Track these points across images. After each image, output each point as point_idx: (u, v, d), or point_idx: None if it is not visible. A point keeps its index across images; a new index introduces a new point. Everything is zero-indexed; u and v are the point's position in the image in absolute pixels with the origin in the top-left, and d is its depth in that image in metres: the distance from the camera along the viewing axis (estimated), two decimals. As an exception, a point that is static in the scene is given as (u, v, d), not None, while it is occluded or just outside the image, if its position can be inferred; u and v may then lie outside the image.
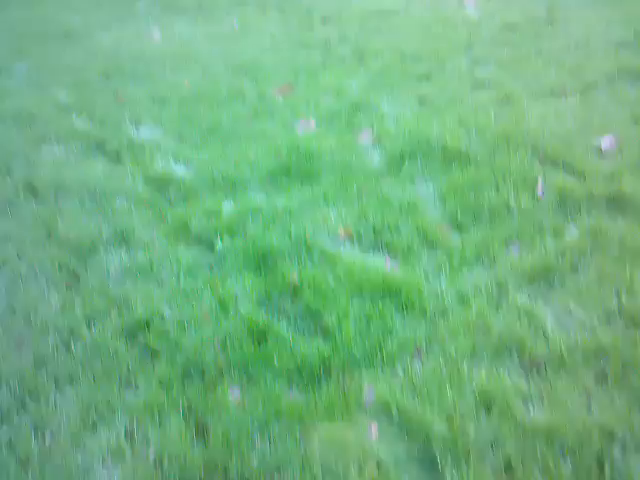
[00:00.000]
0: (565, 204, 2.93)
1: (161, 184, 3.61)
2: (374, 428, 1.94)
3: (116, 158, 3.96)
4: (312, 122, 4.23)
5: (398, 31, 6.10)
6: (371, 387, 2.08)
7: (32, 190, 3.59)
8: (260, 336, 2.36)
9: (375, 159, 3.69)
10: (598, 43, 5.07)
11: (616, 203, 2.90)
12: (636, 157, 3.27)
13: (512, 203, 2.97)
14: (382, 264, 2.71)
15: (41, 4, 9.28)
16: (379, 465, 1.81)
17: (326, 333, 2.34)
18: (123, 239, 3.08)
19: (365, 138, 3.93)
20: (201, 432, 2.00)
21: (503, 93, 4.27)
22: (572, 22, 5.69)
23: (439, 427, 1.89)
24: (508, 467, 1.76)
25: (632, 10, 5.82)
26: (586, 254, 2.54)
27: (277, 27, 6.79)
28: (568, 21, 5.72)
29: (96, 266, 2.89)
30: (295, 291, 2.58)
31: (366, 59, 5.40)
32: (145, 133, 4.35)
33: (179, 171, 3.79)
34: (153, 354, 2.34)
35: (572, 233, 2.71)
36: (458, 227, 2.90)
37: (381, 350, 2.22)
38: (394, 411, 1.98)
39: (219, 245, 2.96)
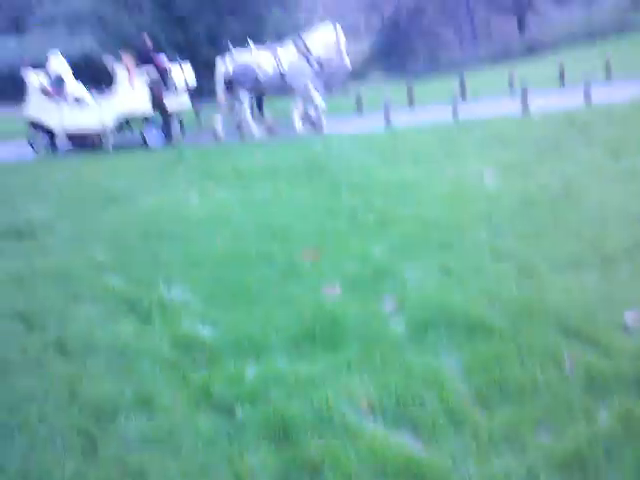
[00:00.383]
0: (594, 383, 2.86)
1: (187, 345, 3.67)
2: None
3: (146, 318, 4.07)
4: (337, 287, 4.35)
5: (420, 201, 6.45)
6: None
7: (61, 348, 3.68)
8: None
9: (399, 327, 3.72)
10: (615, 217, 5.26)
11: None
12: (662, 334, 3.25)
13: (539, 380, 2.92)
14: (406, 442, 2.63)
15: (88, 169, 10.19)
16: None
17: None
18: (145, 403, 3.07)
19: (389, 305, 4.01)
20: None
21: (524, 265, 4.39)
22: (588, 195, 5.96)
23: None
24: None
25: (645, 185, 6.11)
26: (619, 441, 2.43)
27: (306, 195, 7.26)
28: (584, 195, 6.00)
29: (115, 432, 2.86)
30: (315, 468, 2.49)
31: (389, 227, 5.68)
32: (176, 293, 4.52)
33: (205, 333, 3.87)
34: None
35: (603, 416, 2.63)
36: (485, 403, 2.84)
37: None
38: None
39: (240, 413, 2.93)
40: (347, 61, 12.28)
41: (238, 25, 18.31)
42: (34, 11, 35.64)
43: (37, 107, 12.04)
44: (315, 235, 5.64)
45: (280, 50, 12.35)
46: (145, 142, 12.29)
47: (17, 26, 34.21)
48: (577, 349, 3.20)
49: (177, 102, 12.75)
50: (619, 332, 3.34)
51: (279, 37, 17.31)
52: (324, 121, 12.34)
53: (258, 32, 18.93)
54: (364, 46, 48.17)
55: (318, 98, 12.18)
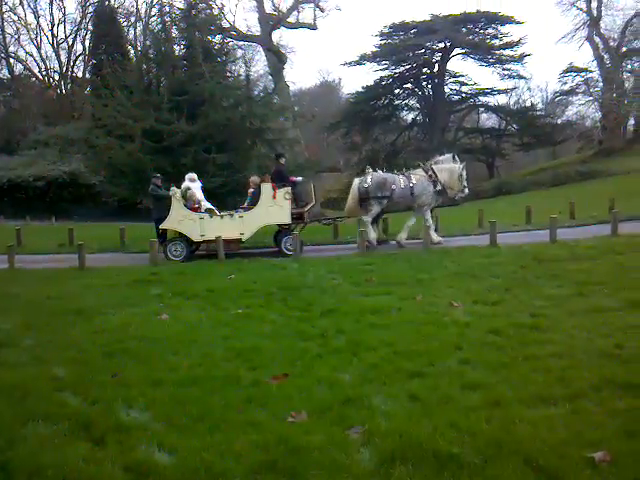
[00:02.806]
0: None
1: (141, 473, 3.46)
2: None
3: (100, 441, 3.87)
4: (303, 414, 4.22)
5: (391, 328, 6.46)
6: None
7: (4, 473, 3.43)
8: None
9: (365, 459, 3.58)
10: (581, 352, 5.31)
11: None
12: (632, 474, 3.17)
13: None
14: None
15: (61, 283, 10.09)
16: None
17: None
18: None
19: (356, 435, 3.88)
20: None
21: (493, 396, 4.34)
22: (556, 330, 6.04)
23: None
24: None
25: (610, 321, 6.23)
26: None
27: (279, 317, 7.24)
28: (552, 329, 6.09)
29: None
30: None
31: (360, 353, 5.63)
32: (135, 415, 4.32)
33: (162, 459, 3.66)
34: None
35: None
36: None
37: None
38: None
39: None
40: (467, 188, 14.70)
41: (223, 157, 19.17)
42: (27, 134, 37.30)
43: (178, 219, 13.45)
44: (284, 357, 5.56)
45: (413, 174, 14.31)
46: (281, 251, 13.57)
47: (9, 148, 35.64)
48: (547, 489, 3.09)
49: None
50: (589, 471, 3.25)
51: (260, 169, 18.17)
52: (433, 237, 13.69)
53: (242, 164, 19.85)
54: (342, 184, 50.67)
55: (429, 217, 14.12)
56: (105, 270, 11.43)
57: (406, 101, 50.35)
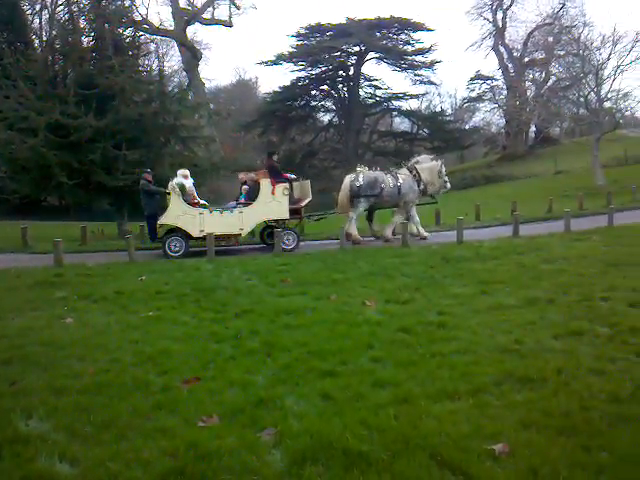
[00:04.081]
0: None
1: (39, 487, 3.27)
2: None
3: (-5, 454, 3.62)
4: (215, 418, 4.16)
5: (306, 328, 6.50)
6: None
7: None
8: None
9: (277, 461, 3.58)
10: (484, 348, 5.58)
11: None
12: (528, 463, 3.36)
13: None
14: None
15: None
16: None
17: None
18: None
19: (267, 437, 3.87)
20: None
21: (401, 393, 4.47)
22: (461, 328, 6.30)
23: None
24: None
25: (511, 318, 6.59)
26: None
27: (192, 319, 7.09)
28: (457, 327, 6.35)
29: None
30: None
31: (274, 354, 5.62)
32: (35, 425, 4.08)
33: (63, 470, 3.49)
34: None
35: None
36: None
37: None
38: None
39: None
40: (448, 183, 15.84)
41: (134, 153, 18.52)
42: None
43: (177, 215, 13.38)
44: (196, 361, 5.45)
45: (400, 173, 15.25)
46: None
47: None
48: (450, 480, 3.22)
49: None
50: (489, 462, 3.42)
51: (173, 167, 17.73)
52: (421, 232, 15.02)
53: (155, 161, 19.25)
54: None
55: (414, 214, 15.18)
56: (4, 272, 10.73)
57: (322, 102, 50.99)
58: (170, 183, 13.69)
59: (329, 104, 50.96)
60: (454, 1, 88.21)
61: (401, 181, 14.86)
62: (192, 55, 34.60)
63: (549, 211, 19.67)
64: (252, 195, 13.96)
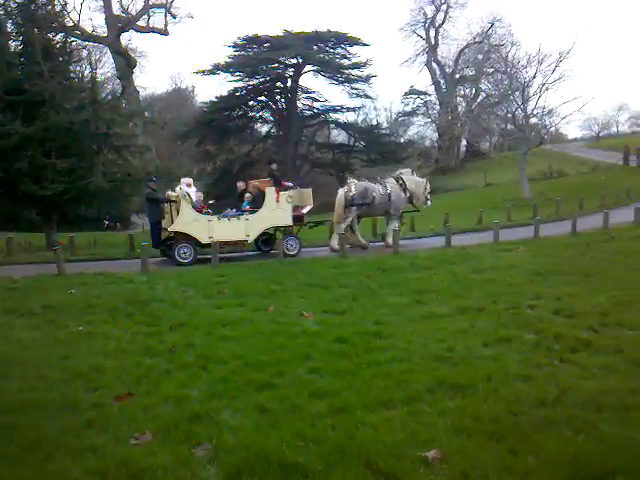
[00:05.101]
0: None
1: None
2: None
3: None
4: (148, 435, 4.05)
5: (243, 340, 6.45)
6: None
7: None
8: None
9: (211, 476, 3.52)
10: (418, 356, 5.70)
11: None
12: (460, 468, 3.45)
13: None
14: None
15: None
16: None
17: None
18: None
19: (202, 452, 3.81)
20: None
21: (338, 403, 4.49)
22: (396, 337, 6.42)
23: None
24: None
25: (443, 326, 6.77)
26: None
27: (124, 333, 6.88)
28: (393, 336, 6.46)
29: None
30: None
31: (210, 367, 5.54)
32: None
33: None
34: None
35: None
36: None
37: None
38: None
39: None
40: (429, 200, 16.86)
41: (65, 162, 17.85)
42: None
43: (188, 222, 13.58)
44: (129, 376, 5.30)
45: (387, 182, 16.05)
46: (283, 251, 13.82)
47: None
48: (385, 488, 3.27)
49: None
50: (423, 469, 3.49)
51: (106, 176, 17.25)
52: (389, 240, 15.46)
53: (86, 170, 18.65)
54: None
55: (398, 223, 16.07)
56: None
57: (260, 113, 50.87)
58: (179, 191, 13.86)
59: (267, 115, 50.93)
60: (389, 17, 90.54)
61: (389, 190, 15.75)
62: (126, 62, 33.80)
63: (479, 222, 20.40)
64: (257, 203, 14.45)
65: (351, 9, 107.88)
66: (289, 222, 14.65)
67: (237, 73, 46.83)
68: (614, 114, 78.32)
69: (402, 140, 56.18)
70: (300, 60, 46.12)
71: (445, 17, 51.71)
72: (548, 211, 22.30)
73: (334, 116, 50.77)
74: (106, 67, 42.38)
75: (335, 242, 14.77)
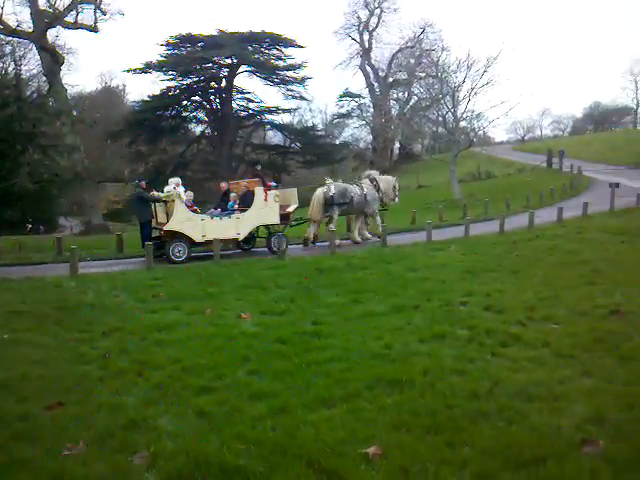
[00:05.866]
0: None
1: None
2: None
3: None
4: (82, 445, 3.90)
5: (180, 344, 6.33)
6: None
7: None
8: None
9: (150, 484, 3.43)
10: (357, 354, 5.77)
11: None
12: (399, 463, 3.52)
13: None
14: None
15: None
16: None
17: None
18: None
19: (140, 460, 3.70)
20: None
21: (278, 404, 4.49)
22: (335, 336, 6.47)
23: None
24: None
25: (380, 324, 6.88)
26: None
27: (53, 340, 6.60)
28: (331, 335, 6.51)
29: None
30: None
31: (146, 373, 5.40)
32: None
33: None
34: None
35: None
36: None
37: None
38: None
39: None
40: (397, 198, 17.81)
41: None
42: None
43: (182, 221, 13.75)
44: (59, 385, 5.08)
45: (362, 183, 16.90)
46: (271, 248, 14.79)
47: None
48: (327, 486, 3.29)
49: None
50: (364, 465, 3.54)
51: (32, 176, 16.55)
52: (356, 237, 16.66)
53: (9, 170, 17.80)
54: (129, 193, 48.32)
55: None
56: None
57: (194, 113, 50.08)
58: (174, 191, 14.02)
59: (201, 115, 50.20)
60: (324, 20, 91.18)
61: (366, 190, 16.61)
62: (53, 59, 32.39)
63: (413, 222, 20.86)
64: (247, 202, 14.80)
65: (286, 11, 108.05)
66: (276, 221, 15.11)
67: (170, 72, 45.90)
68: (538, 118, 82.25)
69: (337, 142, 56.76)
70: (235, 60, 45.74)
71: (378, 21, 52.68)
72: (477, 211, 23.09)
73: (270, 117, 50.70)
74: (32, 64, 40.50)
75: (310, 235, 15.84)
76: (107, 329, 6.98)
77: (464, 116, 32.11)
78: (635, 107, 74.83)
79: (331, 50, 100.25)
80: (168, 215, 14.37)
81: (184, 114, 49.19)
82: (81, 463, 3.62)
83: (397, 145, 53.85)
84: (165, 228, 13.90)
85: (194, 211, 14.33)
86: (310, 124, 56.64)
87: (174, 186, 14.29)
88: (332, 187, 16.13)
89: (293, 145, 51.11)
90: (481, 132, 39.52)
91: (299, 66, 47.61)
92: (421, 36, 46.40)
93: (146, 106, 45.96)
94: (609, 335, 5.96)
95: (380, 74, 51.38)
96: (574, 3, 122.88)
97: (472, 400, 4.45)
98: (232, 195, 15.37)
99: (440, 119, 33.27)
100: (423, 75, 36.54)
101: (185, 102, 48.55)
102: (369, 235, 16.99)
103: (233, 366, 5.52)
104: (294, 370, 5.33)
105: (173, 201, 13.93)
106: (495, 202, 24.41)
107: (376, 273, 10.49)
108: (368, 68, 52.15)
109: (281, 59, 47.87)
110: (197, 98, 48.53)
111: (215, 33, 45.27)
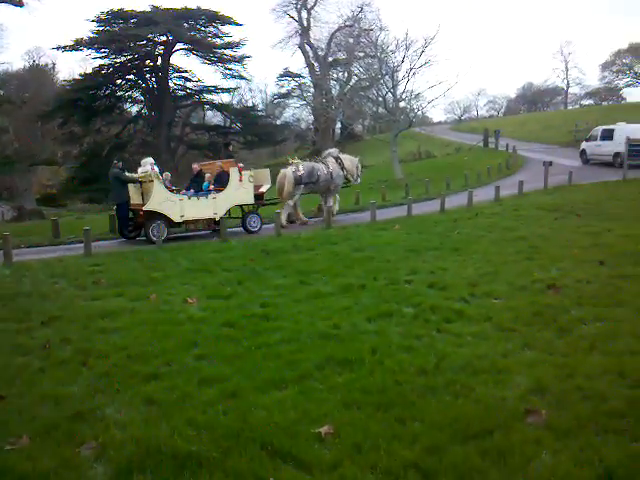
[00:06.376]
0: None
1: None
2: None
3: None
4: (25, 438, 3.77)
5: (125, 331, 6.17)
6: None
7: None
8: None
9: (99, 474, 3.36)
10: (306, 335, 5.80)
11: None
12: (352, 440, 3.58)
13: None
14: None
15: None
16: None
17: None
18: None
19: (88, 451, 3.61)
20: None
21: (229, 388, 4.47)
22: (284, 318, 6.47)
23: None
24: None
25: (328, 305, 6.94)
26: None
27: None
28: (280, 317, 6.51)
29: None
30: None
31: (90, 362, 5.24)
32: None
33: None
34: None
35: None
36: None
37: None
38: None
39: None
40: (360, 178, 18.37)
41: None
42: None
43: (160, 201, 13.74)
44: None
45: (327, 162, 17.09)
46: (246, 228, 15.23)
47: None
48: (281, 469, 3.31)
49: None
50: (317, 445, 3.58)
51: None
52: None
53: None
54: (63, 176, 46.50)
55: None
56: None
57: (130, 93, 48.47)
58: (152, 172, 13.94)
59: (137, 95, 48.63)
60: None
61: (331, 168, 16.87)
62: (-27, 34, 30.49)
63: (357, 203, 21.04)
64: (222, 182, 14.97)
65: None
66: (251, 200, 15.43)
67: (102, 50, 44.16)
68: (474, 99, 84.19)
69: (279, 122, 56.33)
70: (170, 38, 44.46)
71: (317, -1, 52.21)
72: (419, 191, 23.51)
73: (208, 97, 49.73)
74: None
75: (283, 217, 15.64)
76: (46, 318, 6.72)
77: (403, 96, 32.44)
78: (565, 87, 77.69)
79: (270, 28, 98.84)
80: (143, 196, 14.33)
81: (119, 93, 47.56)
82: (25, 457, 3.50)
83: (339, 125, 53.89)
84: (144, 208, 13.79)
85: (171, 192, 14.25)
86: (250, 104, 56.01)
87: (149, 166, 14.24)
88: (301, 167, 16.36)
89: (233, 125, 50.38)
90: (420, 112, 40.08)
91: (237, 44, 46.79)
92: (359, 15, 46.29)
93: (78, 85, 44.16)
94: (547, 309, 6.23)
95: (320, 53, 51.05)
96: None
97: (420, 376, 4.56)
98: (207, 175, 15.45)
99: (380, 99, 33.47)
100: (362, 55, 36.55)
101: (119, 81, 46.94)
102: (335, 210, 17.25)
103: (181, 352, 5.43)
104: (244, 353, 5.31)
105: (151, 181, 13.84)
106: (435, 182, 24.92)
107: (322, 254, 10.53)
108: (307, 47, 51.71)
109: (218, 37, 46.91)
110: (132, 77, 46.99)
111: (149, 9, 43.74)
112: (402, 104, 32.99)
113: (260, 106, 58.61)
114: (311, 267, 9.29)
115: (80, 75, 45.61)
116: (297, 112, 57.99)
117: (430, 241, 11.30)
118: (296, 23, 52.00)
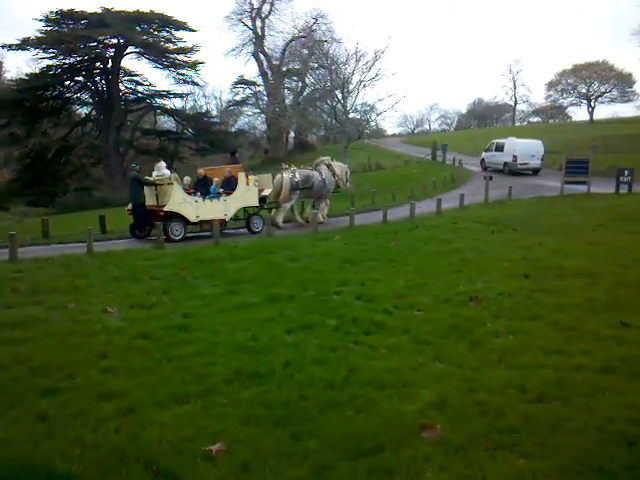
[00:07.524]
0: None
1: None
2: None
3: None
4: None
5: (32, 342, 5.89)
6: None
7: None
8: None
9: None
10: (223, 347, 5.65)
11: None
12: (241, 458, 3.47)
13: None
14: None
15: None
16: None
17: None
18: None
19: (-40, 472, 3.37)
20: None
21: (127, 403, 4.29)
22: (203, 329, 6.31)
23: None
24: None
25: (251, 315, 6.80)
26: None
27: None
28: (200, 328, 6.34)
29: None
30: None
31: (-13, 376, 4.95)
32: None
33: None
34: None
35: None
36: None
37: None
38: None
39: None
40: (349, 182, 19.71)
41: None
42: None
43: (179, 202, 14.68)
44: None
45: (320, 169, 18.14)
46: (250, 229, 16.16)
47: None
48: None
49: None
50: (205, 463, 3.44)
51: None
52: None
53: None
54: (4, 178, 44.81)
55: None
56: None
57: (78, 95, 47.16)
58: (172, 175, 15.25)
59: (86, 97, 47.35)
60: (215, 4, 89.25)
61: (324, 175, 17.94)
62: None
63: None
64: (231, 186, 15.91)
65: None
66: (256, 203, 16.41)
67: (50, 50, 42.85)
68: (426, 113, 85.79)
69: (233, 129, 55.86)
70: (122, 40, 43.55)
71: (271, 9, 52.04)
72: (365, 202, 23.63)
73: (160, 102, 48.90)
74: None
75: (280, 219, 16.84)
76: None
77: (354, 108, 32.65)
78: (513, 104, 79.99)
79: (224, 35, 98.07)
80: (157, 198, 15.25)
81: (67, 95, 46.21)
82: None
83: (292, 135, 53.89)
84: (166, 209, 14.63)
85: (189, 194, 15.11)
86: (204, 110, 55.35)
87: (165, 170, 15.53)
88: (297, 174, 17.40)
89: (186, 131, 49.67)
90: (373, 124, 40.44)
91: (190, 50, 46.27)
92: (313, 26, 46.52)
93: (24, 85, 42.64)
94: (465, 321, 6.27)
95: (274, 62, 51.03)
96: (459, 3, 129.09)
97: (327, 390, 4.49)
98: (215, 180, 16.23)
99: (331, 110, 33.60)
100: (316, 66, 36.68)
101: (68, 82, 45.63)
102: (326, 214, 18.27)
103: (88, 364, 5.22)
104: (153, 366, 5.13)
105: (169, 184, 14.85)
106: (382, 193, 25.10)
107: (257, 263, 10.38)
108: (262, 56, 51.62)
109: (171, 42, 46.30)
110: (81, 79, 45.76)
111: (100, 11, 42.79)
112: (352, 115, 33.19)
113: (214, 112, 57.99)
114: (243, 276, 9.14)
115: (26, 75, 44.09)
116: (251, 120, 57.71)
117: (367, 252, 11.32)
118: (250, 31, 51.88)
